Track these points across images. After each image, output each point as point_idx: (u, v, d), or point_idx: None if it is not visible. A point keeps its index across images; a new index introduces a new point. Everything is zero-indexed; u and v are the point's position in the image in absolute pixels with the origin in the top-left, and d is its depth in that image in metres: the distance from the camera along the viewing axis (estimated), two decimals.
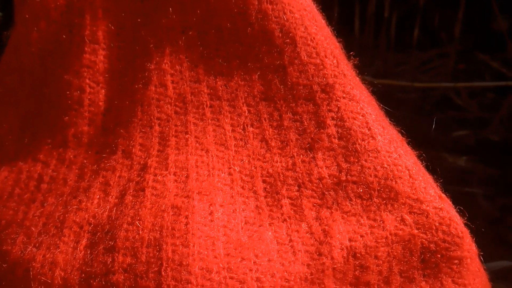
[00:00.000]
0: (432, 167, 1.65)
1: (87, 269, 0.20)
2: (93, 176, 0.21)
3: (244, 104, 0.23)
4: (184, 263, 0.18)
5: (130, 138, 0.21)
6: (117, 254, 0.18)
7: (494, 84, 2.27)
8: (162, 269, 0.18)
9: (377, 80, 1.95)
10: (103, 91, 0.25)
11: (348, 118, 0.24)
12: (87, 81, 0.25)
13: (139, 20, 0.25)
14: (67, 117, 0.24)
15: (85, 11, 0.25)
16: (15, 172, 0.25)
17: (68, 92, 0.23)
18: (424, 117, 2.56)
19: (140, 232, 0.20)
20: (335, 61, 0.24)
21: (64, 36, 0.25)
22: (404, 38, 2.87)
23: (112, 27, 0.25)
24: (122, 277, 0.19)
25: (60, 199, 0.23)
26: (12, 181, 0.25)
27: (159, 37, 0.23)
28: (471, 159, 2.07)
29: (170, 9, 0.24)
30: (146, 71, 0.23)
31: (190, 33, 0.23)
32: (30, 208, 0.24)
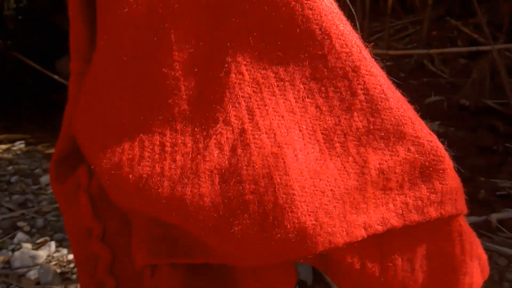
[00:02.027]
0: None
1: (226, 195, 0.27)
2: (207, 139, 0.29)
3: (300, 83, 0.31)
4: (288, 184, 0.27)
5: (225, 112, 0.30)
6: (244, 184, 0.27)
7: (466, 50, 2.33)
8: (276, 189, 0.27)
9: None
10: (193, 79, 0.30)
11: (371, 88, 0.31)
12: (180, 72, 0.30)
13: (211, 23, 0.29)
14: (170, 100, 0.31)
15: (166, 18, 0.29)
16: (138, 141, 0.29)
17: (167, 82, 0.31)
18: (399, 84, 2.63)
19: (256, 169, 0.27)
20: (358, 49, 0.31)
21: (154, 38, 0.29)
22: (379, 7, 2.90)
23: (190, 29, 0.29)
24: (252, 197, 0.27)
25: (187, 156, 0.29)
26: (138, 148, 0.29)
27: (230, 37, 0.31)
28: (443, 124, 2.16)
29: (233, 15, 0.29)
30: (226, 63, 0.30)
31: (254, 34, 0.31)
32: (164, 164, 0.29)
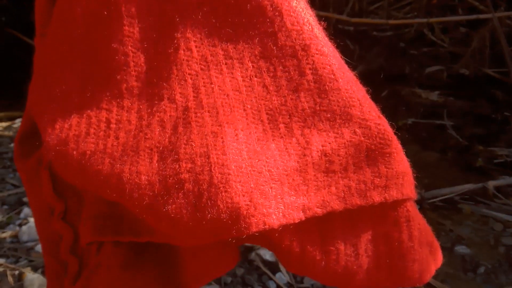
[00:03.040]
0: (405, 103, 1.73)
1: (162, 173, 0.28)
2: (150, 117, 0.30)
3: (249, 61, 0.31)
4: (224, 164, 0.27)
5: (171, 89, 0.30)
6: (181, 162, 0.27)
7: (466, 18, 2.30)
8: (212, 168, 0.27)
9: (353, 19, 1.95)
10: (143, 55, 0.30)
11: (320, 68, 0.30)
12: (130, 47, 0.30)
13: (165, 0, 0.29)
14: (119, 76, 0.31)
15: None
16: (85, 118, 0.29)
17: (116, 57, 0.31)
18: (399, 54, 2.60)
19: (194, 148, 0.28)
20: (310, 27, 0.31)
21: (105, 12, 0.29)
22: None
23: (142, 4, 0.29)
24: (187, 175, 0.27)
25: (129, 133, 0.29)
26: (84, 124, 0.29)
27: (180, 12, 0.31)
28: (442, 93, 2.15)
29: None
30: (175, 39, 0.30)
31: (205, 8, 0.30)
32: (107, 141, 0.29)
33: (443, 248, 1.10)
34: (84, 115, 0.30)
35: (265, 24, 0.30)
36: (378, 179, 0.29)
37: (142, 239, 0.31)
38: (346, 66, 0.31)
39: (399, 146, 0.30)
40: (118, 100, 0.30)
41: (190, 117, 0.28)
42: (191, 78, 0.29)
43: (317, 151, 0.29)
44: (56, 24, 0.33)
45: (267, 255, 1.01)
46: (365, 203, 0.29)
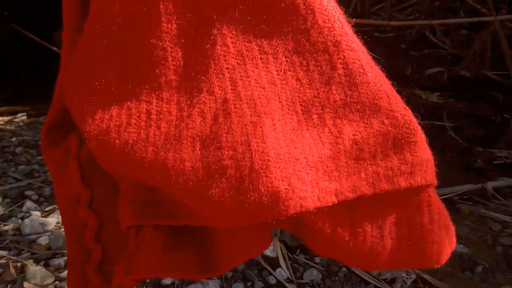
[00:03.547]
0: (406, 103, 1.73)
1: (206, 160, 0.29)
2: (190, 108, 0.31)
3: (283, 56, 0.32)
4: (264, 151, 0.29)
5: (209, 82, 0.31)
6: (223, 150, 0.29)
7: (467, 20, 2.31)
8: (252, 155, 0.29)
9: (355, 20, 1.97)
10: (180, 50, 0.32)
11: (350, 62, 0.32)
12: (168, 43, 0.31)
13: None
14: (157, 70, 0.32)
15: None
16: (125, 109, 0.30)
17: (155, 52, 0.32)
18: (400, 55, 2.62)
19: (235, 136, 0.29)
20: (340, 24, 0.32)
21: (144, 9, 0.30)
22: None
23: (179, 2, 0.30)
24: (229, 162, 0.29)
25: (171, 124, 0.31)
26: (125, 115, 0.31)
27: (217, 10, 0.32)
28: (443, 95, 2.16)
29: None
30: (212, 35, 0.32)
31: (240, 7, 0.32)
32: (149, 131, 0.30)
33: None
34: (124, 106, 0.31)
35: (298, 21, 0.32)
36: (404, 166, 0.31)
37: (180, 222, 0.33)
38: (373, 61, 0.33)
39: (423, 136, 0.32)
40: (157, 92, 0.31)
41: (229, 108, 0.30)
42: (228, 72, 0.31)
43: (349, 140, 0.30)
44: (94, 20, 0.34)
45: (267, 251, 1.02)
46: (392, 188, 0.31)
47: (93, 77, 0.34)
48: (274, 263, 0.99)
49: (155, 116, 0.31)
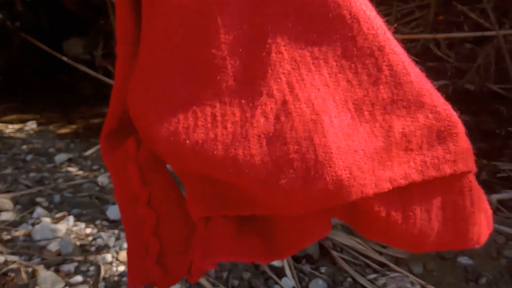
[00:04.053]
0: None
1: (273, 154, 0.32)
2: (253, 110, 0.34)
3: (333, 61, 0.35)
4: (326, 145, 0.32)
5: (268, 86, 0.34)
6: (289, 145, 0.32)
7: (471, 35, 2.34)
8: (316, 149, 0.32)
9: None
10: (238, 58, 0.35)
11: (394, 64, 0.35)
12: (226, 52, 0.35)
13: (252, 9, 0.33)
14: (218, 76, 0.35)
15: (212, 4, 0.33)
16: (191, 113, 0.34)
17: (215, 61, 0.35)
18: None
19: (298, 133, 0.32)
20: (383, 31, 0.35)
21: (203, 22, 0.33)
22: None
23: (235, 14, 0.33)
24: (295, 155, 0.32)
25: (236, 124, 0.34)
26: (192, 118, 0.34)
27: (270, 21, 0.35)
28: None
29: (272, 1, 0.34)
30: (267, 44, 0.35)
31: (291, 17, 0.35)
32: (216, 131, 0.34)
33: (446, 259, 1.12)
34: (190, 110, 0.34)
35: (345, 29, 0.34)
36: (448, 155, 0.33)
37: (246, 212, 0.36)
38: (413, 63, 0.35)
39: (463, 128, 0.35)
40: (220, 97, 0.34)
41: (289, 108, 0.33)
42: (284, 76, 0.34)
43: (398, 133, 0.33)
44: (153, 33, 0.36)
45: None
46: (438, 175, 0.33)
47: (158, 85, 0.37)
48: (280, 272, 1.00)
49: (220, 118, 0.34)
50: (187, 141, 0.34)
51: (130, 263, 0.46)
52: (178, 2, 0.35)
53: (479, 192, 0.35)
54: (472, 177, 0.35)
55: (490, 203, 1.27)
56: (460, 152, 0.34)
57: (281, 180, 0.31)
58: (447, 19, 2.62)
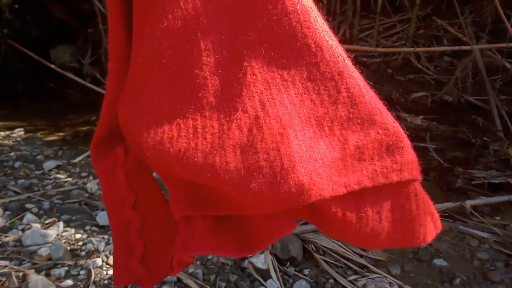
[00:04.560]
0: None
1: (246, 162, 0.37)
2: (229, 123, 0.39)
3: (299, 83, 0.40)
4: (291, 154, 0.37)
5: (243, 103, 0.39)
6: (259, 154, 0.37)
7: (448, 49, 2.43)
8: (282, 158, 0.37)
9: (343, 46, 2.05)
10: (218, 78, 0.40)
11: (351, 87, 0.40)
12: (207, 72, 0.39)
13: (231, 36, 0.38)
14: (200, 93, 0.40)
15: (196, 31, 0.37)
16: (175, 124, 0.38)
17: (198, 80, 0.40)
18: (387, 80, 2.72)
19: (267, 144, 0.37)
20: (343, 59, 0.40)
21: (188, 46, 0.37)
22: (369, 5, 2.97)
23: (216, 40, 0.37)
24: (265, 163, 0.37)
25: (214, 135, 0.38)
26: (175, 129, 0.39)
27: (247, 47, 0.40)
28: (426, 118, 2.26)
29: (249, 30, 0.39)
30: (243, 67, 0.40)
31: (265, 45, 0.40)
32: (197, 141, 0.38)
33: (423, 261, 1.17)
34: (174, 122, 0.39)
35: (310, 56, 0.40)
36: (395, 165, 0.39)
37: (222, 212, 0.40)
38: (368, 86, 0.41)
39: (409, 142, 0.40)
40: (201, 111, 0.39)
41: (261, 123, 0.38)
42: (257, 95, 0.39)
43: (353, 146, 0.39)
44: (145, 54, 0.41)
45: (259, 263, 1.07)
46: (387, 182, 0.39)
47: (146, 99, 0.41)
48: (265, 274, 1.04)
49: (200, 130, 0.39)
50: (171, 149, 0.38)
51: (115, 263, 0.50)
52: (167, 27, 0.39)
53: (424, 197, 0.41)
54: (417, 184, 0.40)
55: (465, 209, 1.33)
56: (406, 163, 0.39)
57: (251, 184, 0.36)
58: (427, 33, 2.72)
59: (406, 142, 0.39)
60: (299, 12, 0.39)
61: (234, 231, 0.42)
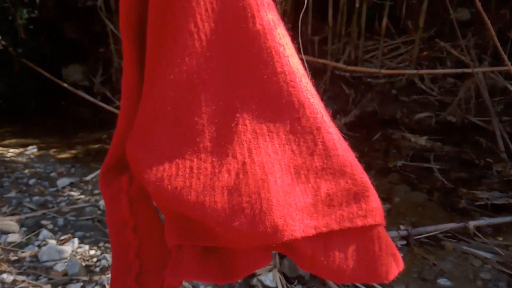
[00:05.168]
0: (396, 146, 1.87)
1: (231, 202, 0.42)
2: (220, 166, 0.44)
3: (283, 134, 0.45)
4: (269, 199, 0.42)
5: (233, 149, 0.44)
6: (242, 197, 0.42)
7: (451, 71, 2.48)
8: (261, 201, 0.42)
9: (349, 67, 2.09)
10: (214, 126, 0.45)
11: (327, 141, 0.45)
12: (205, 120, 0.45)
13: (228, 90, 0.43)
14: (198, 138, 0.45)
15: (198, 84, 0.45)
16: (174, 164, 0.44)
17: (197, 126, 0.45)
18: (391, 100, 2.77)
19: (250, 188, 0.42)
20: (321, 115, 0.46)
21: (190, 97, 0.45)
22: (374, 27, 3.04)
23: (214, 93, 0.45)
24: (247, 205, 0.42)
25: (207, 177, 0.43)
26: (174, 169, 0.44)
27: (240, 101, 0.46)
28: (430, 139, 2.30)
29: (243, 87, 0.45)
30: (236, 118, 0.45)
31: (255, 100, 0.46)
32: (192, 181, 0.43)
33: (427, 280, 1.20)
34: (174, 162, 0.44)
35: (293, 112, 0.45)
36: (361, 211, 0.44)
37: (209, 243, 0.45)
38: (343, 139, 0.46)
39: (374, 191, 0.45)
40: (197, 154, 0.44)
41: (247, 169, 0.43)
42: (246, 143, 0.44)
43: (324, 193, 0.44)
44: (152, 100, 0.47)
45: (268, 280, 1.11)
46: (352, 226, 0.44)
47: (151, 140, 0.47)
48: None
49: (196, 171, 0.44)
50: (169, 186, 0.43)
51: (113, 279, 0.55)
52: (173, 79, 0.45)
53: (387, 240, 0.46)
54: (381, 228, 0.45)
55: (468, 229, 1.36)
56: (370, 210, 0.44)
57: (234, 223, 0.41)
58: (430, 54, 2.78)
59: (372, 191, 0.45)
60: (286, 73, 0.45)
61: (218, 261, 0.47)
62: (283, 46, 0.45)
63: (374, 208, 0.44)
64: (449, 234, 1.31)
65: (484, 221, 1.36)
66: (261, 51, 0.45)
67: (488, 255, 1.20)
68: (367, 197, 0.44)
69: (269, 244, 0.42)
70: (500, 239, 1.31)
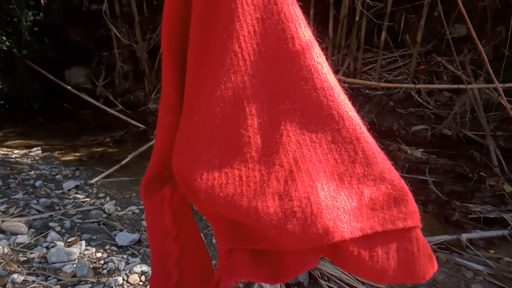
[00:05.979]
0: (393, 157, 1.91)
1: (283, 207, 0.46)
2: (268, 174, 0.48)
3: (325, 144, 0.49)
4: (318, 203, 0.45)
5: (280, 159, 0.48)
6: (293, 201, 0.46)
7: (447, 87, 2.54)
8: (311, 205, 0.45)
9: (347, 79, 2.15)
10: (260, 137, 0.49)
11: (367, 150, 0.49)
12: (251, 133, 0.49)
13: (272, 104, 0.49)
14: (244, 149, 0.48)
15: (243, 99, 0.49)
16: (224, 173, 0.48)
17: (243, 138, 0.48)
18: (389, 112, 2.81)
19: (300, 193, 0.46)
20: (360, 127, 0.49)
21: (236, 111, 0.48)
22: (373, 40, 3.10)
23: (258, 107, 0.49)
24: (298, 209, 0.45)
25: (257, 184, 0.47)
26: (224, 177, 0.48)
27: (283, 114, 0.49)
28: (426, 151, 2.35)
29: (286, 101, 0.49)
30: (280, 129, 0.49)
31: (298, 113, 0.49)
32: (242, 188, 0.47)
33: None
34: (223, 172, 0.48)
35: (334, 124, 0.49)
36: (401, 214, 0.48)
37: (260, 247, 0.49)
38: (379, 148, 0.50)
39: (411, 196, 0.49)
40: (245, 163, 0.48)
41: (294, 176, 0.47)
42: (291, 153, 0.48)
43: (367, 198, 0.47)
44: (200, 115, 0.51)
45: (268, 286, 1.15)
46: (394, 228, 0.47)
47: (200, 152, 0.50)
48: None
49: (245, 179, 0.48)
50: (221, 194, 0.47)
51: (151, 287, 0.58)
52: (220, 95, 0.49)
53: (424, 241, 0.50)
54: (418, 230, 0.49)
55: (461, 242, 1.41)
56: (409, 213, 0.48)
57: (287, 225, 0.45)
58: (427, 68, 2.83)
59: (410, 196, 0.48)
60: (325, 88, 0.49)
61: (269, 263, 0.50)
62: (321, 64, 0.49)
63: (413, 211, 0.48)
64: (442, 246, 1.35)
65: (476, 234, 1.40)
66: (301, 69, 0.49)
67: (479, 267, 1.25)
68: (406, 201, 0.48)
69: (319, 246, 0.46)
70: (492, 252, 1.35)
